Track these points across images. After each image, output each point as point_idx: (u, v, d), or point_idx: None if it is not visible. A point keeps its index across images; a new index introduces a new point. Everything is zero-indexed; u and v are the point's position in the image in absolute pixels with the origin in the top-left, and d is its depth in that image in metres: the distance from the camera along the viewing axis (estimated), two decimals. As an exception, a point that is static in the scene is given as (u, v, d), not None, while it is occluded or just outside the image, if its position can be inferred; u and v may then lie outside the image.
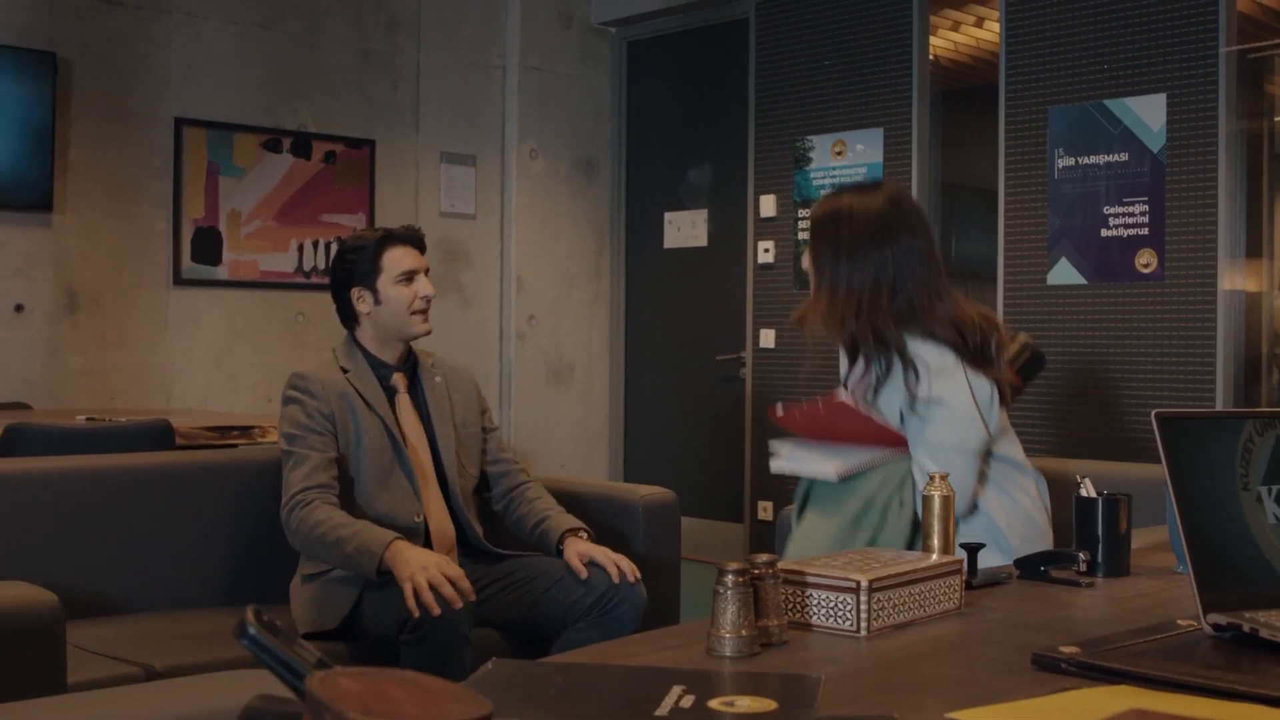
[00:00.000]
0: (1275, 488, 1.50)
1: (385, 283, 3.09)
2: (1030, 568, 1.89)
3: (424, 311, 3.13)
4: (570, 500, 3.49)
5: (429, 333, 3.17)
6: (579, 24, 7.16)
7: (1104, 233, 5.37)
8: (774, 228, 6.58)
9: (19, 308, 5.48)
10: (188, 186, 5.91)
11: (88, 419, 4.40)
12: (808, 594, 1.56)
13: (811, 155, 6.42)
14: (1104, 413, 5.36)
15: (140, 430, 3.91)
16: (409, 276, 3.11)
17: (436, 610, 2.69)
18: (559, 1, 7.12)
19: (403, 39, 6.65)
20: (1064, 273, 5.48)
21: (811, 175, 6.42)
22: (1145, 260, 5.25)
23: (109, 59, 5.71)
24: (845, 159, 6.29)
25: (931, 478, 1.80)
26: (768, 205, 6.60)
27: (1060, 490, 2.72)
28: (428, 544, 3.06)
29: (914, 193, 5.97)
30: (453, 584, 2.72)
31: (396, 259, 3.11)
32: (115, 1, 5.72)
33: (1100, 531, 1.90)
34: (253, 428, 4.33)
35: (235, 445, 4.42)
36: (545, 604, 3.00)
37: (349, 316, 3.17)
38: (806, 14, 6.45)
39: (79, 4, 5.62)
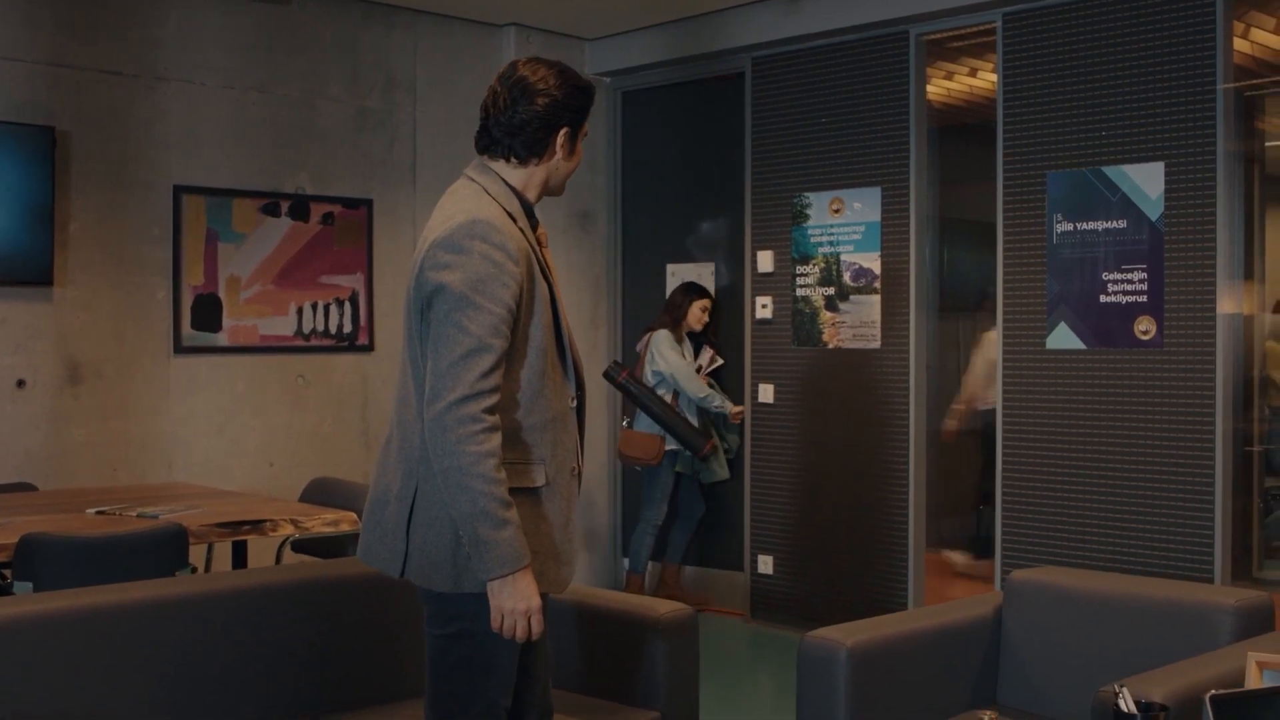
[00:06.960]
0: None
1: (578, 137, 2.74)
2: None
3: None
4: (582, 615, 3.51)
5: None
6: (574, 75, 7.16)
7: (1103, 299, 5.41)
8: (772, 283, 6.59)
9: (20, 383, 5.48)
10: (187, 254, 5.91)
11: (97, 512, 4.41)
12: None
13: (809, 212, 6.43)
14: (1102, 487, 5.40)
15: (155, 535, 3.92)
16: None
17: (522, 640, 2.52)
18: (554, 52, 7.08)
19: (400, 96, 6.65)
20: (1063, 337, 5.52)
21: (809, 232, 6.44)
22: (1144, 327, 5.29)
23: (107, 129, 5.70)
24: (843, 216, 6.30)
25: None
26: (765, 261, 6.61)
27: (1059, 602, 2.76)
28: (581, 428, 2.74)
29: (911, 237, 6.04)
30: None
31: (587, 120, 2.78)
32: (113, 71, 5.71)
33: (1139, 743, 1.94)
34: (264, 521, 4.33)
35: (246, 539, 4.44)
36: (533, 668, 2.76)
37: (529, 151, 2.70)
38: (802, 69, 6.47)
39: (77, 76, 5.61)
